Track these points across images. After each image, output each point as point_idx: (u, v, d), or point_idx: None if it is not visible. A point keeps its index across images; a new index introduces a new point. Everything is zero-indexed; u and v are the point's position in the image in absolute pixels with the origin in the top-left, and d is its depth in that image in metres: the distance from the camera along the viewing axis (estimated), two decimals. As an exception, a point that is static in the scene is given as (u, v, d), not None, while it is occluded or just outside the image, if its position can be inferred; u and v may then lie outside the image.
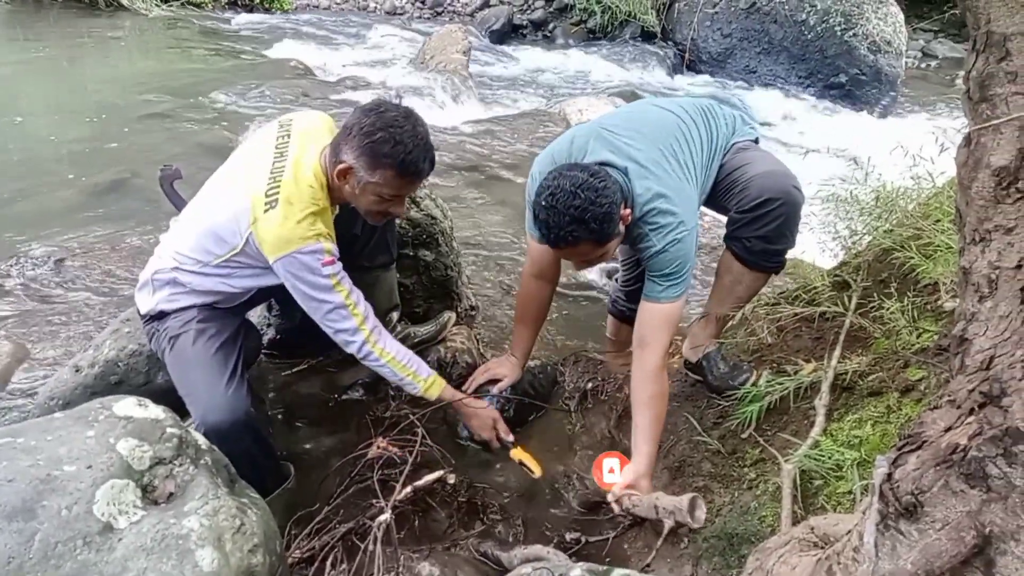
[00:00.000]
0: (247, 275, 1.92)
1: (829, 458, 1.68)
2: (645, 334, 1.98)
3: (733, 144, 2.14)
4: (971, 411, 0.90)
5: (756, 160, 2.06)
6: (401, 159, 1.76)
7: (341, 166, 1.78)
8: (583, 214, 1.74)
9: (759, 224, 1.99)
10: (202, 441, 1.36)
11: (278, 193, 1.77)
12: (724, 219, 2.16)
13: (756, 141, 2.21)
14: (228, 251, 1.85)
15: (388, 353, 1.96)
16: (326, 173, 1.85)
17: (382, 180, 1.79)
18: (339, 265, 1.85)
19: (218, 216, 1.85)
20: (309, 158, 1.85)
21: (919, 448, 0.95)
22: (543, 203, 1.79)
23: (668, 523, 1.82)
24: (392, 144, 1.75)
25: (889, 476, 0.97)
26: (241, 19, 8.86)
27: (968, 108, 0.94)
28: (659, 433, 1.99)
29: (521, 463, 2.16)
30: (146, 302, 1.97)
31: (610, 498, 1.96)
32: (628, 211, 1.87)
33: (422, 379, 2.02)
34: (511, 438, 2.21)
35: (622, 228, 1.88)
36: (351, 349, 1.94)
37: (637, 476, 1.93)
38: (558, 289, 3.17)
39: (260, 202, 1.77)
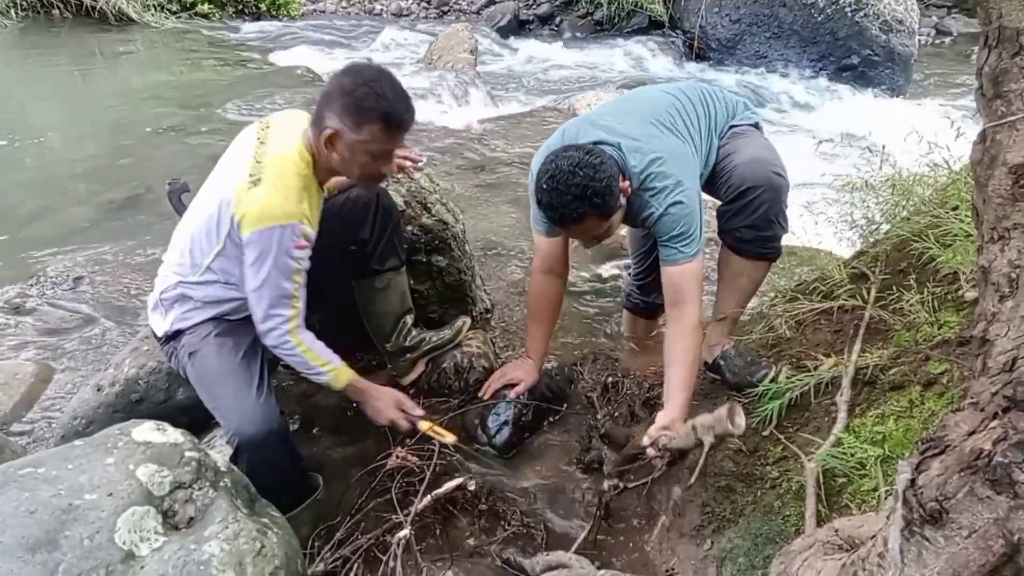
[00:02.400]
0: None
1: (852, 455, 1.65)
2: (677, 292, 2.00)
3: (731, 128, 2.16)
4: (995, 415, 0.88)
5: (742, 147, 2.08)
6: (385, 111, 1.75)
7: (327, 131, 1.77)
8: (584, 191, 1.81)
9: (745, 213, 2.03)
10: (221, 463, 1.37)
11: (263, 172, 1.77)
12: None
13: (756, 126, 2.23)
14: (218, 246, 1.84)
15: (304, 343, 1.93)
16: (310, 149, 1.84)
17: (369, 136, 1.77)
18: (308, 250, 1.84)
19: (205, 213, 1.85)
20: (292, 141, 1.85)
21: (942, 453, 0.93)
22: (544, 186, 1.86)
23: (708, 440, 1.75)
24: (375, 98, 1.74)
25: (912, 482, 0.95)
26: (249, 28, 8.90)
27: (982, 105, 0.92)
28: (693, 383, 2.01)
29: (433, 431, 2.12)
30: (160, 324, 1.99)
31: (645, 441, 1.93)
32: (627, 183, 1.92)
33: (332, 367, 1.98)
34: (419, 412, 2.16)
35: (623, 201, 1.93)
36: (273, 335, 1.89)
37: (672, 419, 1.92)
38: (572, 289, 3.17)
39: (244, 186, 1.76)
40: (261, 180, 1.76)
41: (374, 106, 1.75)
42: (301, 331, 1.93)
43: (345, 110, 1.75)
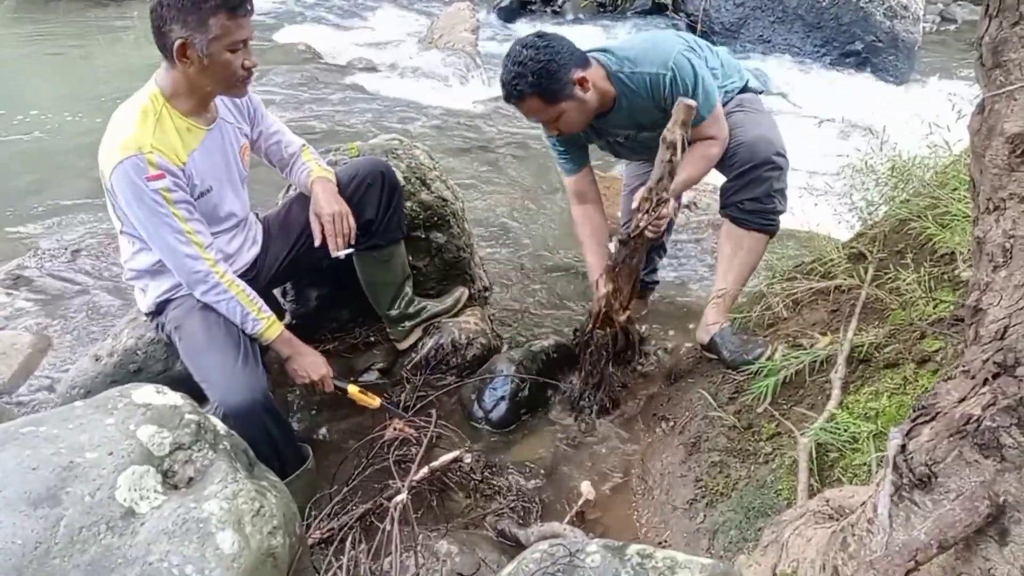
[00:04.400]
0: None
1: (845, 431, 1.67)
2: (705, 136, 2.10)
3: (742, 90, 2.24)
4: (985, 381, 0.89)
5: (749, 124, 2.16)
6: None
7: (177, 43, 1.69)
8: (524, 68, 1.94)
9: (750, 188, 2.11)
10: (220, 426, 1.38)
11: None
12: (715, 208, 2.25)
13: (759, 93, 2.35)
14: (111, 206, 1.86)
15: (237, 285, 1.88)
16: (161, 85, 1.80)
17: (219, 29, 1.69)
18: (169, 181, 1.76)
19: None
20: (145, 88, 1.83)
21: (933, 419, 0.95)
22: (502, 64, 2.01)
23: (679, 136, 1.86)
24: None
25: (903, 447, 0.97)
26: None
27: (981, 74, 0.92)
28: (691, 178, 2.18)
29: (362, 393, 2.12)
30: (141, 301, 2.01)
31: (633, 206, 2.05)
32: (585, 75, 2.00)
33: (265, 316, 1.93)
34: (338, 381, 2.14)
35: (580, 93, 2.01)
36: (196, 279, 1.84)
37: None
38: (570, 268, 3.19)
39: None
40: (107, 127, 1.76)
41: None
42: (228, 272, 1.88)
43: (182, 12, 1.67)
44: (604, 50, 2.10)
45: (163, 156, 1.75)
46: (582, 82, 1.99)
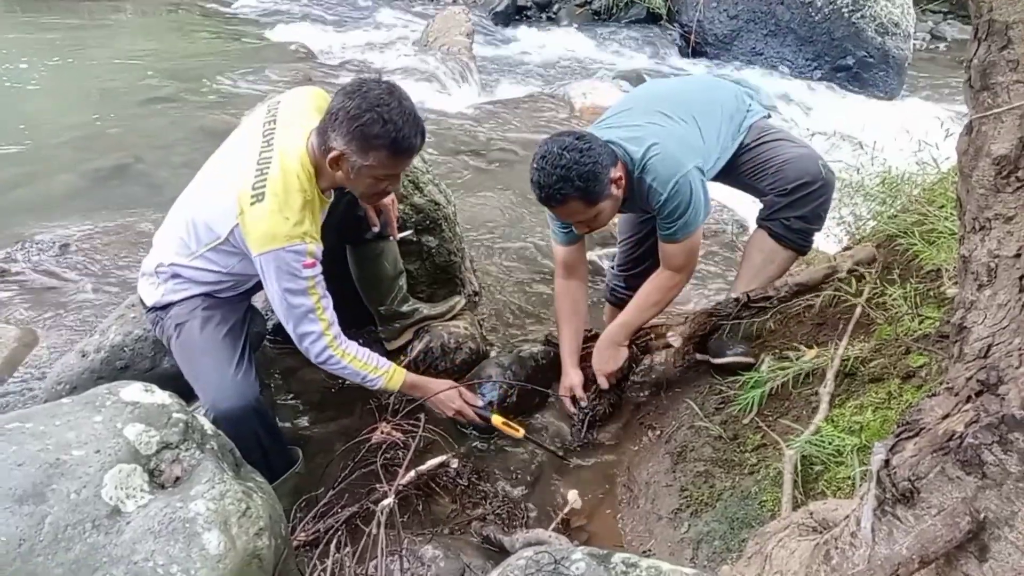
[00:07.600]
0: (238, 260, 1.91)
1: (830, 444, 1.69)
2: (673, 261, 2.11)
3: (755, 122, 2.22)
4: (968, 399, 0.90)
5: (786, 145, 2.16)
6: (393, 138, 1.73)
7: (333, 153, 1.75)
8: (568, 172, 1.89)
9: (799, 205, 2.12)
10: (208, 426, 1.38)
11: (265, 186, 1.75)
12: (737, 209, 2.22)
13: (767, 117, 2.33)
14: (213, 240, 1.86)
15: (349, 354, 1.95)
16: (313, 160, 1.82)
17: (376, 162, 1.76)
18: (319, 268, 1.84)
19: (207, 210, 1.86)
20: (295, 146, 1.82)
21: (916, 435, 0.96)
22: (535, 165, 1.94)
23: (845, 266, 2.06)
24: (382, 124, 1.71)
25: (886, 462, 0.98)
26: (242, 1, 8.80)
27: (969, 96, 0.94)
28: (646, 320, 2.24)
29: (505, 424, 2.16)
30: (150, 294, 1.99)
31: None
32: (619, 173, 1.98)
33: (383, 371, 2.01)
34: (480, 402, 2.21)
35: (615, 191, 1.98)
36: (312, 351, 1.92)
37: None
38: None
39: (247, 195, 1.75)
40: (264, 195, 1.74)
41: (381, 133, 1.71)
42: (343, 343, 1.94)
43: (351, 135, 1.72)
44: (618, 144, 2.03)
45: (316, 243, 1.81)
46: (617, 181, 1.97)
